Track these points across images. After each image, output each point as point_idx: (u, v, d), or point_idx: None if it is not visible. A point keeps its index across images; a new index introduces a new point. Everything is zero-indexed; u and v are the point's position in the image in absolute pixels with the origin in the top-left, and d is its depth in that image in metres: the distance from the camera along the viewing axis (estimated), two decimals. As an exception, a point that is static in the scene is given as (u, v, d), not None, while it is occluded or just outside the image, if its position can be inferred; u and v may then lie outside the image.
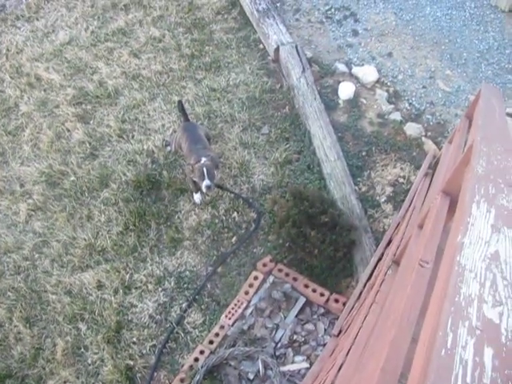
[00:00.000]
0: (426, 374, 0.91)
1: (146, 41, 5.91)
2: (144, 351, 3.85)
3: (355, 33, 6.10)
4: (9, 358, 3.92)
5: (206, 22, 6.08)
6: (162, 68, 5.62)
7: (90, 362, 3.84)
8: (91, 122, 5.25)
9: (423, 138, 4.99)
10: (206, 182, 4.10)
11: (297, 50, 5.45)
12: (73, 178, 4.82)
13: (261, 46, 5.83)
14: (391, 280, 2.60)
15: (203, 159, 4.14)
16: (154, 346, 3.87)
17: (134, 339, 3.90)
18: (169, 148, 4.87)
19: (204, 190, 4.17)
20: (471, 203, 1.39)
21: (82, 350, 3.90)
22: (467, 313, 0.99)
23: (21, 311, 4.09)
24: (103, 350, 3.86)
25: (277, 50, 5.53)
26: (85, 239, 4.41)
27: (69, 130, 5.19)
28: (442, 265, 1.35)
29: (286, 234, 3.93)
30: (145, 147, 4.94)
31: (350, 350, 2.29)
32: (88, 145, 5.03)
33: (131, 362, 3.78)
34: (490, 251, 1.19)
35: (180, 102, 4.73)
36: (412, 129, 5.03)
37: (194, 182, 4.26)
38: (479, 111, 2.78)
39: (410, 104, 5.41)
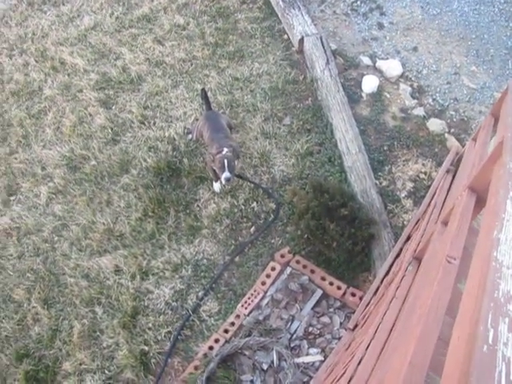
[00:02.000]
0: (467, 370, 0.89)
1: (170, 28, 5.90)
2: (159, 337, 3.87)
3: (380, 26, 6.04)
4: (27, 337, 3.98)
5: (230, 10, 6.05)
6: (186, 56, 5.61)
7: (105, 345, 3.87)
8: (113, 107, 5.26)
9: (446, 135, 4.94)
10: (226, 174, 4.10)
11: (321, 42, 5.41)
12: (93, 163, 4.84)
13: (285, 36, 5.80)
14: (412, 276, 2.58)
15: (225, 149, 4.13)
16: (170, 332, 3.89)
17: (150, 325, 3.92)
18: (190, 136, 4.87)
19: (223, 181, 4.17)
20: (505, 199, 1.37)
21: (98, 333, 3.93)
22: (507, 309, 0.98)
23: (39, 292, 4.14)
24: (119, 334, 3.88)
25: (301, 40, 5.49)
26: (104, 224, 4.43)
27: (91, 115, 5.21)
28: (474, 260, 1.33)
29: (304, 226, 3.92)
30: (166, 134, 4.95)
31: (369, 344, 2.28)
32: (110, 130, 5.05)
33: (146, 348, 3.80)
34: (526, 247, 1.17)
35: (203, 90, 4.72)
36: (435, 125, 4.98)
37: (215, 171, 4.26)
38: (508, 108, 2.73)
39: (434, 100, 5.35)
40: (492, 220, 1.36)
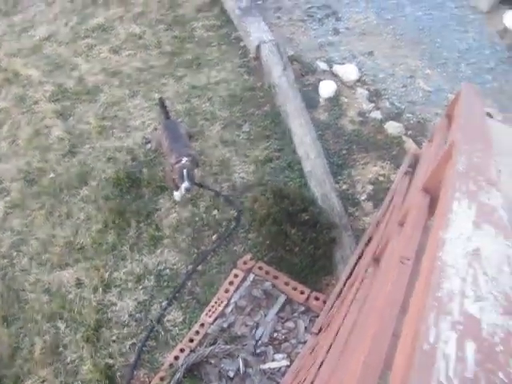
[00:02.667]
0: (409, 367, 0.91)
1: (126, 37, 5.88)
2: (124, 350, 3.81)
3: (336, 31, 6.13)
4: (-15, 357, 3.88)
5: (186, 19, 6.06)
6: (143, 65, 5.59)
7: (68, 360, 3.80)
8: (70, 118, 5.20)
9: (403, 137, 5.03)
10: (186, 184, 4.10)
11: (278, 48, 5.45)
12: (52, 176, 4.77)
13: (242, 43, 5.83)
14: (371, 278, 2.61)
15: (184, 159, 4.12)
16: (134, 344, 3.84)
17: (114, 338, 3.86)
18: (149, 145, 4.85)
19: (183, 191, 4.17)
20: (452, 200, 1.40)
21: (61, 348, 3.85)
22: (449, 308, 1.00)
23: (-2, 310, 4.05)
24: (82, 348, 3.82)
25: (258, 47, 5.52)
26: (64, 237, 4.37)
27: (48, 127, 5.14)
28: (423, 261, 1.36)
29: (266, 232, 3.93)
30: (125, 144, 4.91)
31: (330, 347, 2.30)
32: (67, 142, 4.99)
33: (111, 361, 3.74)
34: (471, 247, 1.20)
35: (161, 99, 4.71)
36: (392, 127, 5.06)
37: (174, 180, 4.24)
38: (460, 110, 2.79)
39: (391, 103, 5.44)
40: (439, 221, 1.39)
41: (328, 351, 2.30)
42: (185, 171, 4.06)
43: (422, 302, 1.10)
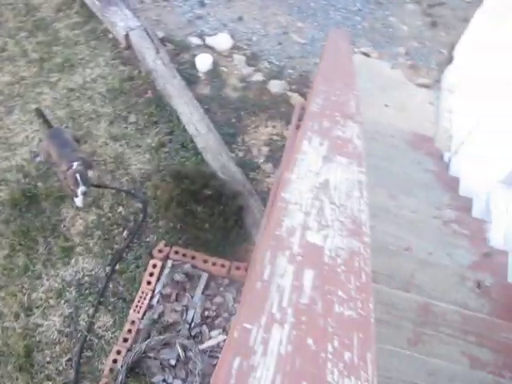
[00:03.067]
0: (241, 311, 0.95)
1: (-13, 53, 5.61)
2: (61, 368, 3.73)
3: (202, 4, 6.11)
4: None
5: (47, 21, 5.84)
6: (12, 78, 5.36)
7: (5, 395, 3.70)
8: None
9: (288, 93, 5.13)
10: (82, 188, 4.03)
11: (147, 33, 5.39)
12: None
13: (110, 35, 5.71)
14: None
15: (75, 164, 4.03)
16: (70, 359, 3.76)
17: (48, 359, 3.77)
18: (38, 158, 4.69)
19: (81, 196, 4.10)
20: (302, 140, 1.45)
21: (-5, 385, 3.74)
22: (288, 242, 1.03)
23: None
24: (17, 379, 3.70)
25: (127, 36, 5.43)
26: (-29, 272, 4.20)
27: None
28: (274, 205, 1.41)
29: (173, 216, 3.94)
30: (13, 163, 4.73)
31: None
32: (-51, 175, 4.75)
33: (50, 383, 3.67)
34: (319, 181, 1.25)
35: (38, 109, 4.57)
36: (276, 86, 5.15)
37: (71, 187, 4.16)
38: (324, 54, 2.88)
39: (270, 62, 5.52)
40: (288, 163, 1.44)
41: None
42: (78, 176, 3.98)
43: (258, 245, 1.15)
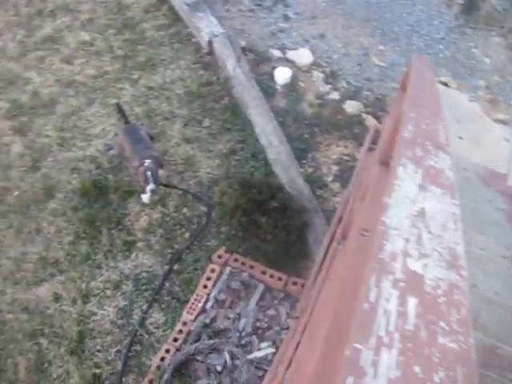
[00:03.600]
0: (348, 330, 0.94)
1: (76, 46, 5.81)
2: (109, 358, 3.80)
3: (286, 18, 6.15)
4: (-33, 386, 3.83)
5: (136, 21, 6.02)
6: (97, 72, 5.54)
7: (55, 376, 3.76)
8: (29, 133, 5.13)
9: (363, 115, 5.09)
10: (151, 186, 4.10)
11: (230, 41, 5.47)
12: (17, 193, 4.70)
13: (194, 40, 5.82)
14: (341, 255, 2.65)
15: (147, 161, 4.12)
16: (119, 351, 3.82)
17: (98, 347, 3.85)
18: (112, 152, 4.81)
19: (149, 193, 4.17)
20: (398, 166, 1.44)
21: (46, 365, 3.81)
22: (391, 267, 1.03)
23: (-24, 335, 4.00)
24: (67, 362, 3.79)
25: (210, 42, 5.53)
26: (36, 253, 4.32)
27: (7, 145, 5.06)
28: (372, 228, 1.40)
29: (237, 224, 3.96)
30: (87, 153, 4.87)
31: (305, 327, 2.33)
32: (29, 157, 4.92)
33: (98, 371, 3.73)
34: (415, 209, 1.24)
35: (118, 104, 4.69)
36: (351, 106, 5.12)
37: (140, 183, 4.24)
38: (410, 81, 2.84)
39: (348, 82, 5.50)
40: (386, 187, 1.42)
41: (303, 331, 2.33)
42: (149, 173, 4.05)
43: (364, 266, 1.14)
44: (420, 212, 1.22)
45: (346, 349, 0.84)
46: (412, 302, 0.94)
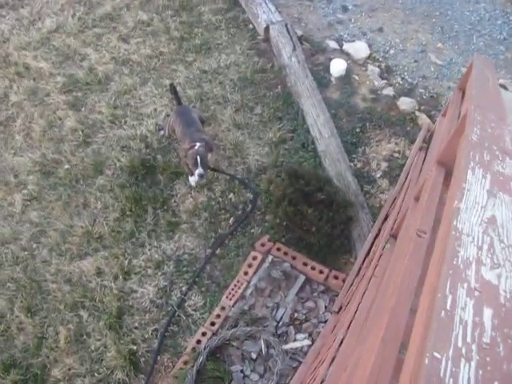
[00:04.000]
0: (426, 337, 0.91)
1: (134, 25, 5.86)
2: (146, 335, 3.85)
3: (345, 9, 6.06)
4: (12, 347, 3.92)
5: (194, 3, 6.03)
6: (152, 52, 5.58)
7: (93, 348, 3.84)
8: (83, 109, 5.21)
9: (417, 112, 4.99)
10: (200, 170, 4.11)
11: (287, 29, 5.41)
12: (67, 167, 4.79)
13: (250, 26, 5.80)
14: (389, 254, 2.60)
15: (197, 145, 4.12)
16: (156, 330, 3.87)
17: (136, 324, 3.90)
18: (162, 132, 4.85)
19: (197, 178, 4.19)
20: (466, 169, 1.39)
21: (85, 337, 3.89)
22: (466, 275, 1.00)
23: (21, 301, 4.08)
24: (106, 336, 3.86)
25: (267, 29, 5.49)
26: (82, 227, 4.40)
27: (60, 119, 5.15)
28: (439, 232, 1.36)
29: (282, 213, 3.93)
30: (138, 132, 4.92)
31: (350, 324, 2.30)
32: (81, 132, 5.00)
33: (134, 347, 3.78)
34: (486, 216, 1.20)
35: (172, 85, 4.70)
36: (405, 103, 5.02)
37: (189, 165, 4.25)
38: (472, 82, 2.76)
39: (403, 78, 5.39)
40: (454, 191, 1.38)
41: (348, 328, 2.31)
42: (198, 157, 4.06)
43: (438, 271, 1.10)
44: (491, 219, 1.18)
45: (425, 357, 0.82)
46: (488, 312, 0.91)
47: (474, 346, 0.85)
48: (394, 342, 1.38)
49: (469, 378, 0.81)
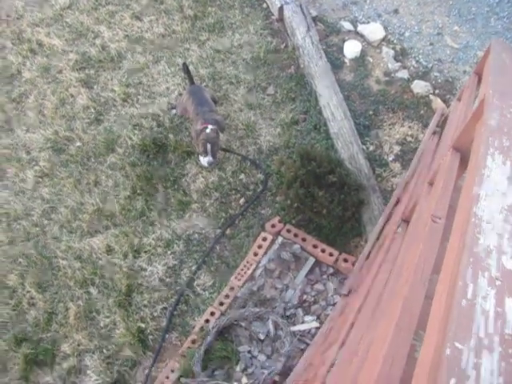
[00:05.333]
0: (446, 325, 0.90)
1: (147, 3, 5.82)
2: (155, 314, 3.87)
3: (360, -11, 5.98)
4: (23, 322, 3.97)
5: (207, -19, 5.97)
6: (165, 30, 5.55)
7: (102, 325, 3.87)
8: (95, 86, 5.20)
9: (431, 96, 4.93)
10: (209, 158, 4.14)
11: (301, 9, 5.36)
12: (79, 144, 4.80)
13: (264, 5, 5.74)
14: (401, 238, 2.59)
15: (209, 127, 4.11)
16: (165, 308, 3.90)
17: (145, 302, 3.92)
18: (174, 111, 4.83)
19: (206, 165, 4.21)
20: (486, 155, 1.37)
21: (94, 313, 3.93)
22: (487, 263, 0.98)
23: (32, 277, 4.12)
24: (115, 313, 3.89)
25: (281, 9, 5.43)
26: (93, 204, 4.41)
27: (73, 96, 5.15)
28: (456, 217, 1.34)
29: (293, 195, 3.92)
30: (150, 111, 4.91)
31: (360, 308, 2.29)
32: (93, 110, 5.00)
33: (143, 325, 3.81)
34: (507, 203, 1.18)
35: (185, 64, 4.68)
36: (419, 87, 4.96)
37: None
38: (490, 66, 2.72)
39: (417, 61, 5.32)
40: (473, 176, 1.36)
41: (358, 312, 2.30)
42: (209, 145, 4.06)
43: (457, 259, 1.09)
44: (511, 207, 1.16)
45: (446, 347, 0.80)
46: (510, 303, 0.90)
47: (496, 338, 0.84)
48: (408, 329, 1.37)
49: (492, 370, 0.80)
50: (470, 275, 0.96)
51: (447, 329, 0.87)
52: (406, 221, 2.76)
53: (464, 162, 2.08)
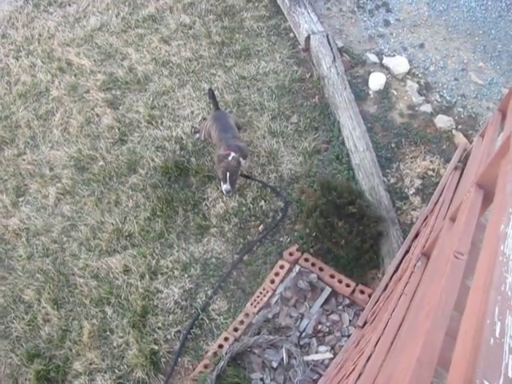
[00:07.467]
0: (474, 363, 0.90)
1: (176, 27, 5.92)
2: (169, 336, 3.87)
3: (387, 23, 6.03)
4: (37, 338, 3.99)
5: (236, 9, 6.06)
6: (192, 55, 5.63)
7: (115, 345, 3.88)
8: (120, 107, 5.28)
9: (454, 131, 4.93)
10: (227, 186, 4.16)
11: (328, 40, 5.41)
12: (101, 163, 4.85)
13: (291, 34, 5.80)
14: (420, 272, 2.58)
15: (231, 155, 4.14)
16: (179, 331, 3.89)
17: (159, 324, 3.92)
18: (197, 135, 4.88)
19: (223, 192, 4.24)
20: (512, 191, 1.37)
21: (108, 333, 3.93)
22: (514, 302, 0.98)
23: (49, 293, 4.15)
24: (128, 333, 3.89)
25: (307, 38, 5.49)
26: (112, 224, 4.44)
27: (98, 115, 5.23)
28: (482, 255, 1.33)
29: (313, 224, 3.92)
30: (173, 134, 4.96)
31: (378, 341, 2.27)
32: (117, 130, 5.06)
33: (156, 347, 3.80)
34: (533, 242, 1.17)
35: (210, 89, 4.73)
36: (442, 121, 4.97)
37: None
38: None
39: (441, 96, 5.33)
40: (499, 215, 1.35)
41: (376, 345, 2.28)
42: (228, 173, 4.09)
43: (483, 298, 1.08)
44: (537, 246, 1.16)
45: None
46: (537, 344, 0.90)
47: (525, 378, 0.84)
48: (429, 364, 1.36)
49: (520, 411, 0.80)
50: (497, 314, 0.96)
51: (476, 366, 0.87)
52: (426, 255, 2.74)
53: (487, 199, 2.08)
